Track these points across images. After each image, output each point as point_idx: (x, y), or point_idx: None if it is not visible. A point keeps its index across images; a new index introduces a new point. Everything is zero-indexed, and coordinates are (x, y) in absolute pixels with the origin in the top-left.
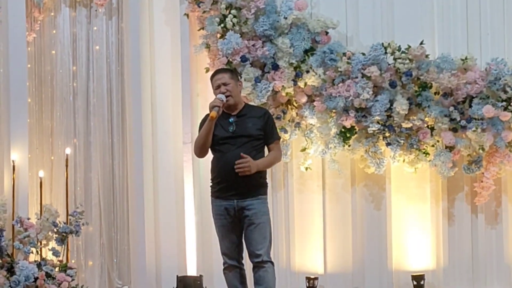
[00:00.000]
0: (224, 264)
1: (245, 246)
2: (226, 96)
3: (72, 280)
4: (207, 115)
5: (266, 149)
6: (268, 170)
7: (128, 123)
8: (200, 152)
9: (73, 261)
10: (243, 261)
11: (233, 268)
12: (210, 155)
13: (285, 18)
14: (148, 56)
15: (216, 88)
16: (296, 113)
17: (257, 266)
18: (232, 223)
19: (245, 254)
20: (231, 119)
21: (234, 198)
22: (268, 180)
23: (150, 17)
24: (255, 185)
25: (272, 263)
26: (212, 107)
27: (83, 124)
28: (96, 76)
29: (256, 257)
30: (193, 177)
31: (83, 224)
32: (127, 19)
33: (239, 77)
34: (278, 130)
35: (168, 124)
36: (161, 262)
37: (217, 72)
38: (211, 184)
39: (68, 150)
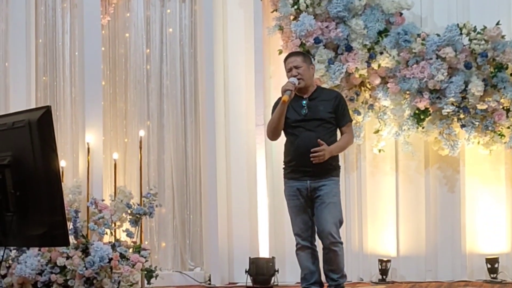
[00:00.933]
0: (297, 245)
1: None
2: (298, 79)
3: (146, 261)
4: (280, 98)
5: (338, 131)
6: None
7: (201, 106)
8: (272, 135)
9: (146, 242)
10: (316, 242)
11: (305, 249)
12: (283, 138)
13: None
14: (221, 39)
15: (288, 71)
16: (370, 95)
17: (328, 248)
18: (305, 203)
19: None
20: (303, 102)
21: (308, 179)
22: (341, 162)
23: None
24: (328, 167)
25: (341, 243)
26: (284, 91)
27: (156, 107)
28: (169, 58)
29: (327, 237)
30: (266, 159)
31: (156, 206)
32: (200, 2)
33: (312, 60)
34: (351, 112)
35: (240, 106)
36: (234, 244)
37: (290, 55)
38: (283, 166)
39: (142, 132)
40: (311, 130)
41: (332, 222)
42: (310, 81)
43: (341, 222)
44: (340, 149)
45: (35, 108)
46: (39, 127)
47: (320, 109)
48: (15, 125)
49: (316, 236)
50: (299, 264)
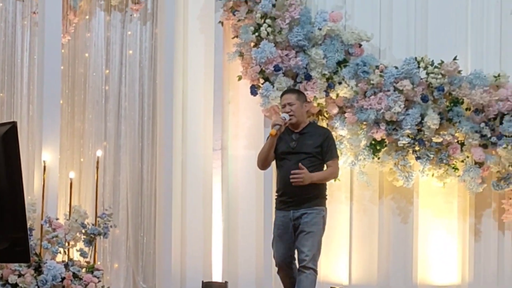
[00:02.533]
0: (276, 266)
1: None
2: (290, 116)
3: (99, 281)
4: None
5: (325, 167)
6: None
7: (158, 128)
8: (262, 165)
9: (99, 262)
10: (295, 263)
11: (283, 270)
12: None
13: (319, 29)
14: (181, 62)
15: (283, 106)
16: (327, 124)
17: (300, 271)
18: (287, 234)
19: None
20: (293, 136)
21: (291, 209)
22: None
23: (185, 23)
24: (309, 196)
25: (315, 271)
26: (273, 125)
27: (113, 127)
28: (129, 80)
29: (301, 262)
30: (222, 183)
31: (111, 227)
32: (161, 25)
33: (306, 98)
34: None
35: (198, 130)
36: (187, 267)
37: (285, 92)
38: (275, 196)
39: (99, 152)
40: (296, 162)
41: (309, 249)
42: (302, 117)
43: (318, 252)
44: (321, 177)
45: (0, 124)
46: (4, 143)
47: (308, 143)
48: None
49: None
50: (282, 284)
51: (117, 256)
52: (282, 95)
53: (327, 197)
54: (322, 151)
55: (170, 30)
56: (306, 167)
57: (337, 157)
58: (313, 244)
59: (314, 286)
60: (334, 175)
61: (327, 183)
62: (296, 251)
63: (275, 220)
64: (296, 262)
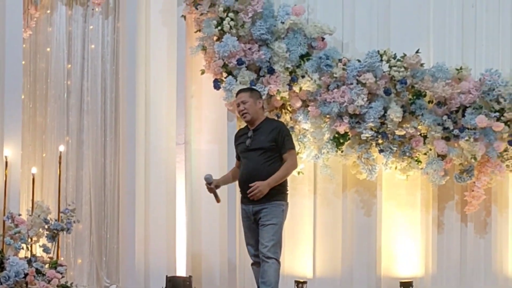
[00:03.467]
0: (251, 259)
1: None
2: (243, 114)
3: (62, 277)
4: (239, 131)
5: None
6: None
7: (121, 123)
8: None
9: (62, 258)
10: None
11: (256, 264)
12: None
13: (282, 22)
14: (143, 57)
15: (237, 106)
16: (290, 118)
17: (262, 261)
18: (253, 225)
19: None
20: (249, 133)
21: (250, 204)
22: None
23: (147, 17)
24: (269, 193)
25: (277, 260)
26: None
27: (76, 122)
28: (91, 74)
29: (262, 254)
30: (185, 178)
31: (74, 222)
32: (123, 19)
33: (260, 95)
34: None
35: (161, 125)
36: (150, 262)
37: (239, 91)
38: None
39: (61, 147)
40: (252, 160)
41: (269, 241)
42: (257, 114)
43: (279, 243)
44: (278, 178)
45: None
46: None
47: (261, 139)
48: None
49: None
50: (255, 277)
51: (80, 251)
52: (236, 94)
53: (287, 192)
54: (277, 145)
55: (132, 24)
56: (262, 163)
57: (293, 148)
58: (273, 234)
59: (278, 276)
60: (293, 167)
61: (289, 178)
62: None
63: (241, 213)
64: None
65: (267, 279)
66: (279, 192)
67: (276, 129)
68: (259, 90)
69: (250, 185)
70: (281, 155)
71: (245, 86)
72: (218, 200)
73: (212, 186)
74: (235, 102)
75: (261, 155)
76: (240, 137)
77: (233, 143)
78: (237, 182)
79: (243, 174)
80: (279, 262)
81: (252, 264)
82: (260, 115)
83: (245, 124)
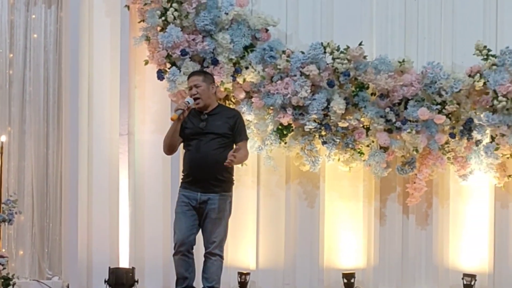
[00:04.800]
0: (175, 250)
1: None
2: (195, 99)
3: (3, 268)
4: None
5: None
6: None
7: (64, 113)
8: (167, 150)
9: (4, 250)
10: (193, 251)
11: (181, 255)
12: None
13: (226, 13)
14: (86, 47)
15: (189, 89)
16: None
17: (206, 257)
18: (192, 211)
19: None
20: (201, 116)
21: (198, 191)
22: None
23: (90, 7)
24: (220, 180)
25: (221, 257)
26: (176, 110)
27: (18, 112)
28: (33, 64)
29: (207, 248)
30: (129, 168)
31: (16, 213)
32: (66, 9)
33: (213, 80)
34: None
35: (104, 115)
36: (93, 253)
37: (191, 74)
38: (182, 176)
39: (3, 138)
40: (206, 143)
41: (215, 236)
42: (210, 99)
43: (224, 237)
44: (240, 160)
45: None
46: None
47: (218, 124)
48: None
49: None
50: (175, 270)
51: (22, 243)
52: (188, 77)
53: (234, 181)
54: (234, 133)
55: (75, 13)
56: (215, 148)
57: (247, 139)
58: (220, 230)
59: (221, 272)
60: (246, 157)
61: (234, 167)
62: (201, 238)
63: (179, 199)
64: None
65: (209, 275)
66: (229, 181)
67: (234, 118)
68: None
69: (232, 153)
70: (234, 143)
71: (197, 69)
72: (176, 118)
73: (185, 111)
74: (187, 85)
75: (214, 139)
76: (190, 116)
77: None
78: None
79: (195, 158)
80: (222, 258)
81: (175, 254)
82: (213, 101)
83: None
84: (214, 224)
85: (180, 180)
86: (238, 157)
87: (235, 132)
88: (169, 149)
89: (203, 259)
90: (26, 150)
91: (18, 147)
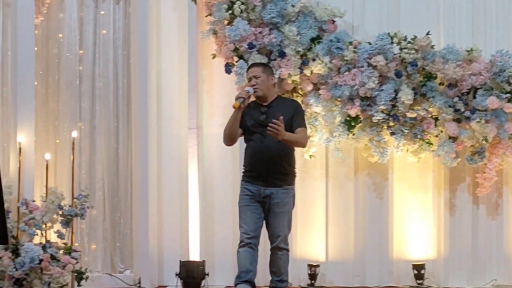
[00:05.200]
0: (240, 243)
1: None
2: (254, 89)
3: (77, 262)
4: (250, 103)
5: None
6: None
7: (133, 108)
8: (227, 140)
9: (76, 244)
10: (259, 245)
11: (247, 248)
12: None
13: (293, 6)
14: (154, 41)
15: (249, 80)
16: (301, 101)
17: (273, 252)
18: (256, 205)
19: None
20: (261, 109)
21: (261, 185)
22: None
23: (158, 2)
24: (283, 173)
25: (287, 250)
26: (237, 98)
27: (88, 108)
28: (103, 60)
29: (273, 243)
30: (198, 162)
31: (88, 208)
32: (134, 4)
33: (273, 71)
34: None
35: (173, 110)
36: (164, 247)
37: (251, 65)
38: (243, 170)
39: (74, 133)
40: (267, 136)
41: (280, 230)
42: (269, 90)
43: (289, 231)
44: (293, 139)
45: None
46: None
47: (278, 115)
48: None
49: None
50: (237, 261)
51: (94, 237)
52: (248, 68)
53: (296, 174)
54: (293, 123)
55: (143, 9)
56: (276, 141)
57: (306, 127)
58: (284, 224)
59: (288, 264)
60: (303, 142)
61: (300, 161)
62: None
63: (241, 192)
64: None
65: (277, 269)
66: (291, 174)
67: (293, 107)
68: None
69: (275, 121)
70: (293, 131)
71: (257, 61)
72: (237, 106)
73: (246, 100)
74: (247, 76)
75: None
76: (250, 109)
77: None
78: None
79: (257, 151)
80: (288, 251)
81: (240, 247)
82: (272, 93)
83: None
84: (278, 218)
85: (242, 174)
86: (288, 135)
87: (294, 121)
88: (229, 139)
89: (268, 253)
90: (97, 145)
91: (89, 142)
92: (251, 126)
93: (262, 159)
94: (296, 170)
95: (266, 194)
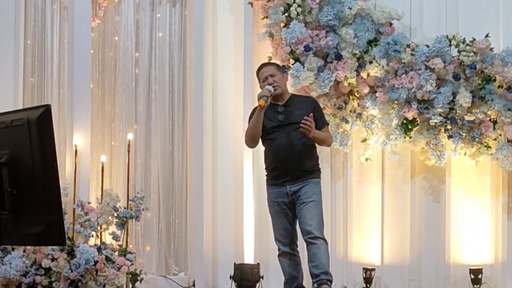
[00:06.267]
0: (278, 250)
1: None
2: (274, 87)
3: (132, 264)
4: (255, 108)
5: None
6: (328, 160)
7: (189, 111)
8: (250, 142)
9: (131, 246)
10: (298, 249)
11: (286, 255)
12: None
13: (350, 8)
14: (210, 44)
15: (263, 80)
16: (358, 104)
17: (309, 243)
18: (285, 209)
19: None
20: (279, 109)
21: (287, 184)
22: (327, 170)
23: (214, 5)
24: (307, 170)
25: (324, 240)
26: (260, 97)
27: (144, 111)
28: (158, 63)
29: (307, 234)
30: (253, 165)
31: (143, 210)
32: (190, 7)
33: (284, 70)
34: (339, 121)
35: (228, 112)
36: (218, 249)
37: (263, 65)
38: (266, 173)
39: (130, 136)
40: (288, 134)
41: (312, 219)
42: (285, 88)
43: (322, 220)
44: (322, 137)
45: (35, 107)
46: (38, 125)
47: (297, 113)
48: (14, 123)
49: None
50: (282, 269)
51: (149, 239)
52: (259, 69)
53: (321, 170)
54: (314, 120)
55: (199, 11)
56: (298, 138)
57: (328, 124)
58: (316, 213)
59: (329, 256)
60: (330, 141)
61: (356, 164)
62: (298, 228)
63: (269, 198)
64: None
65: (318, 262)
66: (315, 170)
67: (312, 104)
68: (327, 76)
69: (307, 118)
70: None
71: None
72: (263, 104)
73: (269, 99)
74: (260, 77)
75: (296, 130)
76: (266, 112)
77: None
78: None
79: (278, 152)
80: (326, 242)
81: (279, 255)
82: (287, 90)
83: None
84: (307, 207)
85: (265, 175)
86: (318, 132)
87: (316, 119)
88: (253, 139)
89: (306, 248)
90: (152, 148)
91: (145, 144)
92: (270, 128)
93: (286, 158)
94: (353, 173)
95: (293, 191)
